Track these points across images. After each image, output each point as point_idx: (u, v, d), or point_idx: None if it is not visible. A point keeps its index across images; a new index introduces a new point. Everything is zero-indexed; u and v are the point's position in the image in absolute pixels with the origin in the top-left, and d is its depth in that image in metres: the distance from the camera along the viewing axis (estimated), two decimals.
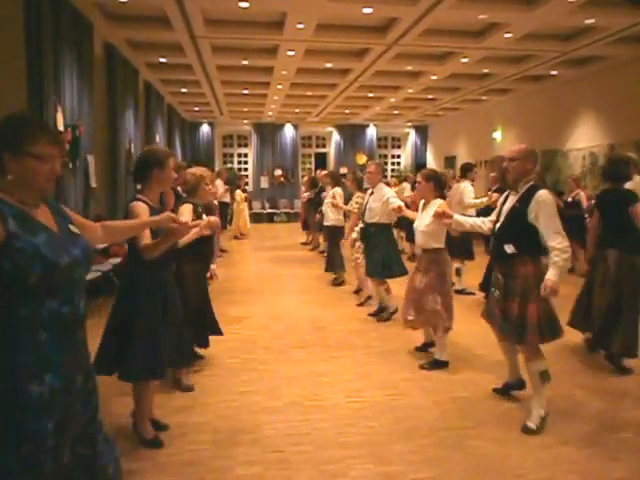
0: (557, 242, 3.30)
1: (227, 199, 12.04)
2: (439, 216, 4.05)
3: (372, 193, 6.00)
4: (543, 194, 3.39)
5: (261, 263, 10.31)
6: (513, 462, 3.06)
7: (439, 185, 4.57)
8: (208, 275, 4.59)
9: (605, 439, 3.31)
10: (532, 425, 3.39)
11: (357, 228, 6.52)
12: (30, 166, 1.80)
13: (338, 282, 8.04)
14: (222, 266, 9.59)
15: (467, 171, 7.62)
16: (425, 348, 4.93)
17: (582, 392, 4.04)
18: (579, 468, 2.99)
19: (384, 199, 5.77)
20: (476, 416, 3.64)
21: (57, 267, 1.78)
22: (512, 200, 3.56)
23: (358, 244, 6.62)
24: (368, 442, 3.29)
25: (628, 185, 4.65)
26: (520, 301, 3.41)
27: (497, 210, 3.75)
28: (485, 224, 3.89)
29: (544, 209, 3.35)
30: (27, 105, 5.42)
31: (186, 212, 3.77)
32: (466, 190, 7.19)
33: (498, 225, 3.62)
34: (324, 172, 10.21)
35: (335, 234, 8.15)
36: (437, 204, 4.35)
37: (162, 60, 9.91)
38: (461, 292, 7.22)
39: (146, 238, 2.88)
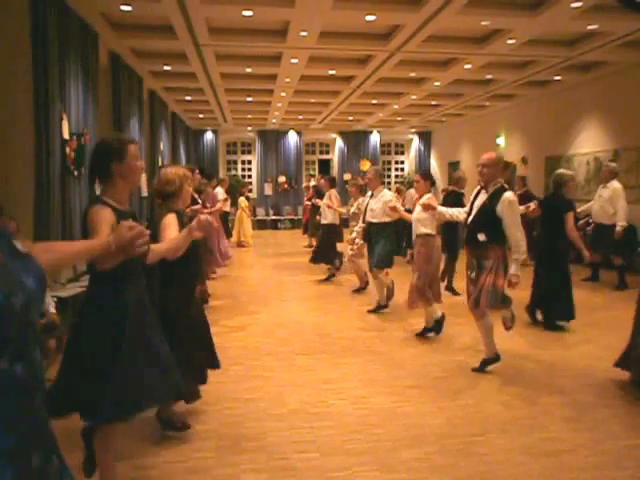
0: (514, 239, 4.22)
1: (227, 208, 12.06)
2: (426, 207, 5.00)
3: (372, 195, 6.72)
4: (510, 195, 4.29)
5: (265, 270, 10.31)
6: (520, 469, 3.03)
7: (432, 183, 5.63)
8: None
9: (616, 446, 3.28)
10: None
11: (357, 228, 7.14)
12: None
13: (331, 274, 8.83)
14: (226, 273, 9.60)
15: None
16: (424, 333, 5.59)
17: (585, 397, 4.01)
18: (585, 476, 2.96)
19: (383, 199, 6.46)
20: (482, 423, 3.62)
21: (9, 311, 1.16)
22: (482, 198, 4.42)
23: (357, 242, 7.20)
24: (374, 449, 3.27)
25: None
26: (489, 274, 4.28)
27: (469, 205, 4.61)
28: (461, 214, 4.76)
29: (509, 208, 4.23)
30: (33, 113, 5.46)
31: (172, 224, 3.19)
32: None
33: (470, 218, 4.48)
34: (322, 179, 10.33)
35: (332, 231, 8.91)
36: (426, 197, 5.29)
37: (166, 68, 9.97)
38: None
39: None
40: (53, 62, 5.70)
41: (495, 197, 4.30)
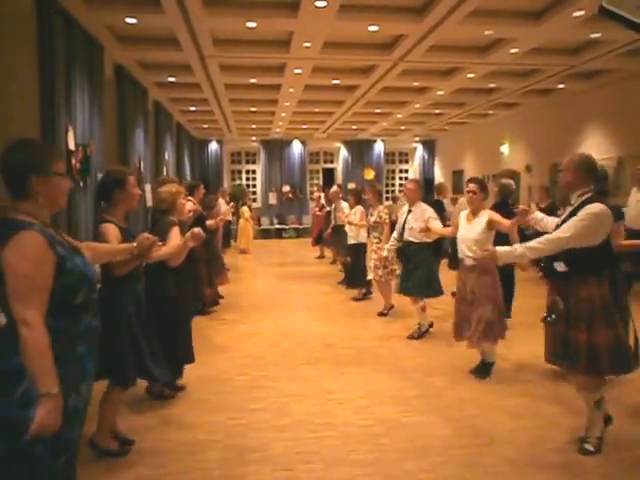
0: (553, 237, 3.16)
1: (229, 217, 12.10)
2: (492, 224, 4.38)
3: (410, 211, 5.95)
4: (595, 207, 3.09)
5: (270, 279, 10.31)
6: None
7: (487, 195, 4.74)
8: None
9: (625, 457, 3.25)
10: (590, 447, 3.27)
11: (387, 246, 6.33)
12: (57, 184, 1.97)
13: (361, 296, 8.07)
14: (230, 282, 9.60)
15: None
16: (486, 370, 4.65)
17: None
18: None
19: (425, 218, 5.68)
20: (488, 433, 3.59)
21: (94, 284, 2.06)
22: (567, 212, 3.30)
23: (391, 260, 6.55)
24: (379, 460, 3.25)
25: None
26: (587, 328, 3.10)
27: (559, 220, 3.39)
28: (553, 223, 3.52)
29: (581, 215, 3.09)
30: (39, 125, 5.51)
31: (176, 236, 3.81)
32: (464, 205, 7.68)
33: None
34: (335, 188, 10.20)
35: (360, 251, 8.09)
36: (487, 214, 4.55)
37: (171, 79, 10.03)
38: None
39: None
40: (59, 74, 5.75)
41: (579, 211, 3.15)
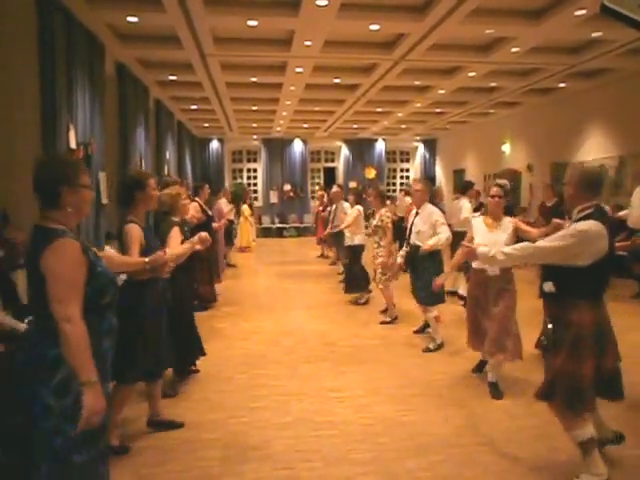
0: (522, 248, 3.03)
1: (231, 216, 12.11)
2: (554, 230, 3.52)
3: (417, 214, 5.59)
4: (586, 224, 2.81)
5: (270, 278, 10.32)
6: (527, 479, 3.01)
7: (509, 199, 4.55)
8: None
9: (624, 455, 3.25)
10: None
11: (401, 252, 5.86)
12: (83, 195, 2.18)
13: (362, 302, 7.74)
14: (231, 280, 9.61)
15: (466, 189, 8.32)
16: (497, 390, 4.27)
17: None
18: None
19: (432, 221, 5.37)
20: (488, 432, 3.60)
21: (117, 287, 2.29)
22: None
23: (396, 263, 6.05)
24: (379, 459, 3.25)
25: None
26: (563, 351, 2.84)
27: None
28: None
29: (568, 230, 2.87)
30: (40, 123, 5.52)
31: (176, 235, 4.02)
32: (464, 207, 7.73)
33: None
34: (336, 188, 10.13)
35: (358, 253, 7.85)
36: (510, 221, 4.28)
37: (172, 78, 10.04)
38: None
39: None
40: (60, 73, 5.76)
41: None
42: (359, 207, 8.00)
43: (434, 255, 5.40)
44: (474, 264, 4.37)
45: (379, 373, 4.79)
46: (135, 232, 3.25)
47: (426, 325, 5.69)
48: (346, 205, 9.23)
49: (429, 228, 5.38)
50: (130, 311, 3.21)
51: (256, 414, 3.91)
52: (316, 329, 6.36)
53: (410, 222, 5.69)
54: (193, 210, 6.74)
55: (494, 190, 4.37)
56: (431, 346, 5.48)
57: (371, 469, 3.14)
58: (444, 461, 3.22)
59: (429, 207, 5.54)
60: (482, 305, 4.36)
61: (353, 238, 7.82)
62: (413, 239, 5.54)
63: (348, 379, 4.66)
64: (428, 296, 5.39)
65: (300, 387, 4.47)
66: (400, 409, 3.99)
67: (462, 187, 8.59)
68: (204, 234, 3.74)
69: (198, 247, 3.77)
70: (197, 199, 7.08)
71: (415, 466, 3.17)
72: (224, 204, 10.04)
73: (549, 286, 2.94)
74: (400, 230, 7.68)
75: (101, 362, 2.09)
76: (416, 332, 6.08)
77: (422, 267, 5.44)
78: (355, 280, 7.79)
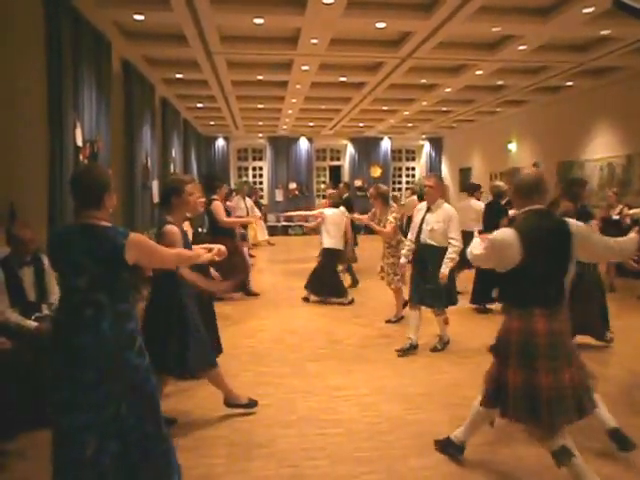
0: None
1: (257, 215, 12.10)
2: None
3: (429, 210, 5.23)
4: (498, 232, 2.83)
5: (275, 276, 10.33)
6: (530, 479, 3.00)
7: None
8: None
9: (626, 455, 3.23)
10: None
11: (404, 252, 5.61)
12: (114, 197, 2.65)
13: (347, 302, 7.58)
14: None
15: (474, 190, 8.56)
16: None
17: None
18: None
19: (449, 220, 5.08)
20: (493, 432, 3.58)
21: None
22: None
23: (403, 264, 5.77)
24: (383, 457, 3.25)
25: None
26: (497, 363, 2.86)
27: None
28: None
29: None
30: (47, 121, 5.54)
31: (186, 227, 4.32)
32: (474, 206, 8.03)
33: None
34: (332, 190, 10.05)
35: (334, 257, 7.71)
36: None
37: (178, 76, 10.05)
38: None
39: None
40: (67, 70, 5.77)
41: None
42: (343, 210, 7.91)
43: (444, 254, 5.08)
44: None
45: (385, 372, 4.79)
46: (175, 231, 3.50)
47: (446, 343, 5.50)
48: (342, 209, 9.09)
49: (444, 225, 5.08)
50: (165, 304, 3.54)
51: (261, 412, 3.92)
52: (321, 327, 6.36)
53: (419, 219, 5.30)
54: (219, 209, 6.75)
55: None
56: (439, 346, 5.44)
57: (376, 467, 3.14)
58: (449, 460, 3.21)
59: (444, 205, 5.23)
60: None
61: (330, 240, 7.61)
62: (424, 237, 5.20)
63: (353, 377, 4.65)
64: (441, 298, 5.18)
65: (305, 385, 4.47)
66: (406, 408, 3.99)
67: (468, 188, 8.82)
68: (223, 248, 3.64)
69: (217, 258, 3.66)
70: (216, 197, 6.98)
71: (420, 465, 3.16)
72: (240, 200, 10.33)
73: (495, 291, 2.92)
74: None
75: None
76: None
77: (433, 268, 5.07)
78: (319, 283, 7.67)
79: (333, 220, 7.70)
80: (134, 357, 2.50)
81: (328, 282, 7.67)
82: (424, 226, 5.22)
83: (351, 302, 7.60)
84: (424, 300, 5.26)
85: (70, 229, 2.60)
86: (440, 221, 5.11)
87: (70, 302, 2.48)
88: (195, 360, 3.52)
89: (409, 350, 5.28)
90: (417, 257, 5.33)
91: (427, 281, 5.15)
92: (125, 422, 2.45)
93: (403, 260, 5.68)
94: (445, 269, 5.00)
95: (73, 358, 2.39)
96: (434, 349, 5.40)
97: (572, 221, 2.82)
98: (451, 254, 5.03)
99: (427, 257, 5.17)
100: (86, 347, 2.38)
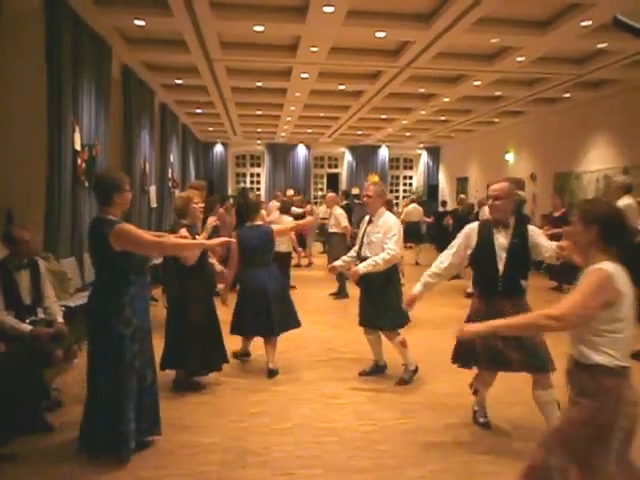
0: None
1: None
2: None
3: (370, 221, 4.70)
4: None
5: None
6: None
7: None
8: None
9: None
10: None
11: (340, 262, 4.96)
12: (126, 196, 3.27)
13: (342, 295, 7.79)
14: None
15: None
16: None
17: None
18: None
19: (388, 229, 4.53)
20: (489, 442, 3.58)
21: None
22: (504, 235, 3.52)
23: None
24: (378, 467, 3.24)
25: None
26: None
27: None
28: None
29: None
30: (46, 124, 5.54)
31: (184, 233, 4.23)
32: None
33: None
34: (331, 194, 10.04)
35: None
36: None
37: (178, 82, 10.08)
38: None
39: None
40: (67, 74, 5.79)
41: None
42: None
43: (392, 273, 4.58)
44: None
45: (381, 380, 4.77)
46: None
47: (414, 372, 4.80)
48: (339, 212, 9.10)
49: (382, 236, 4.52)
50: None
51: (256, 419, 3.90)
52: (317, 335, 6.34)
53: (362, 232, 4.78)
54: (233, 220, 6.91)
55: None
56: (406, 377, 4.72)
57: (370, 477, 3.12)
58: (444, 470, 3.20)
59: (386, 214, 4.66)
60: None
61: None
62: (364, 251, 4.63)
63: (349, 385, 4.64)
64: (393, 318, 4.58)
65: (300, 393, 4.45)
66: (401, 417, 3.98)
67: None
68: (227, 239, 3.94)
69: (217, 250, 3.91)
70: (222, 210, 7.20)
71: (415, 475, 3.15)
72: (275, 208, 10.51)
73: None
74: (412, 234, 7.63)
75: (144, 317, 3.29)
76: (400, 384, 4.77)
77: (379, 288, 4.57)
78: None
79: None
80: (120, 324, 3.14)
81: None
82: (364, 239, 4.69)
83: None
84: (369, 322, 4.71)
85: (92, 221, 3.31)
86: (380, 232, 4.56)
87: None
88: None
89: (373, 372, 4.92)
90: (361, 277, 4.51)
91: (371, 301, 4.64)
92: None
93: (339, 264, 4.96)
94: (362, 269, 4.40)
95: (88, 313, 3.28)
96: (400, 382, 4.68)
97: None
98: (378, 258, 4.40)
99: (370, 277, 4.48)
100: (90, 309, 3.25)
